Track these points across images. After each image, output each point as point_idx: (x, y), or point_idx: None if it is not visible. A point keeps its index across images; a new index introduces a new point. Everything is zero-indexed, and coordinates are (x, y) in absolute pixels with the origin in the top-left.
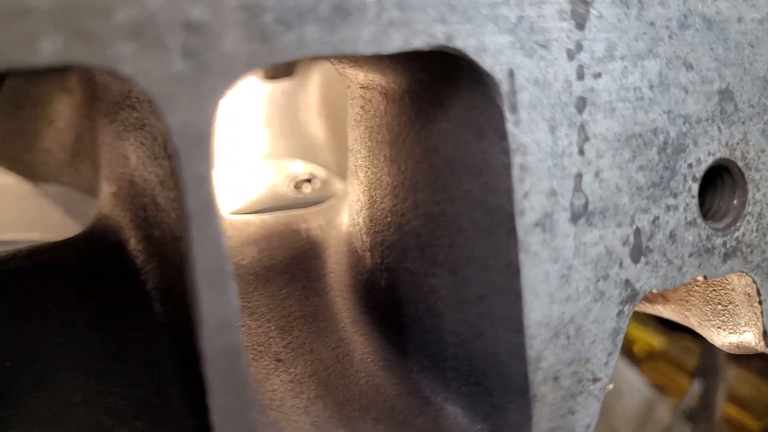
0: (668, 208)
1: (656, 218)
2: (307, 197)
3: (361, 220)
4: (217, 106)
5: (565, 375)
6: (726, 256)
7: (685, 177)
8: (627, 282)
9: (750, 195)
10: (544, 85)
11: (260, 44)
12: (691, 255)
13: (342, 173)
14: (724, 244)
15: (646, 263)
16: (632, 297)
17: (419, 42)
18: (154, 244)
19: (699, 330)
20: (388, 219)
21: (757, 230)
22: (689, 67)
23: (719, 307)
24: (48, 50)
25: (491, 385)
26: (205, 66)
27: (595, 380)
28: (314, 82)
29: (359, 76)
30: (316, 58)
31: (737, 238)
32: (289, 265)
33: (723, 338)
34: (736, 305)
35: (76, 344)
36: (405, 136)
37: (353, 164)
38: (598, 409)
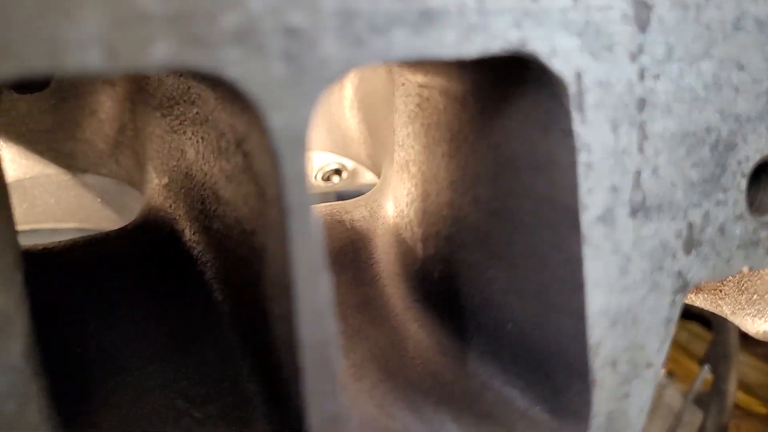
0: (718, 202)
1: (707, 212)
2: (336, 188)
3: (412, 213)
4: (315, 107)
5: (622, 361)
6: None
7: (734, 173)
8: (679, 273)
9: None
10: (608, 87)
11: (354, 48)
12: (738, 247)
13: (372, 166)
14: None
15: (697, 255)
16: (683, 287)
17: (496, 47)
18: (213, 235)
19: (732, 318)
20: (445, 212)
21: None
22: (741, 67)
23: (755, 296)
24: (160, 54)
25: (552, 370)
26: (305, 69)
27: (649, 366)
28: (349, 78)
29: (418, 76)
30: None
31: None
32: (338, 255)
33: (758, 326)
34: None
35: (142, 332)
36: (467, 133)
37: (404, 159)
38: (651, 395)
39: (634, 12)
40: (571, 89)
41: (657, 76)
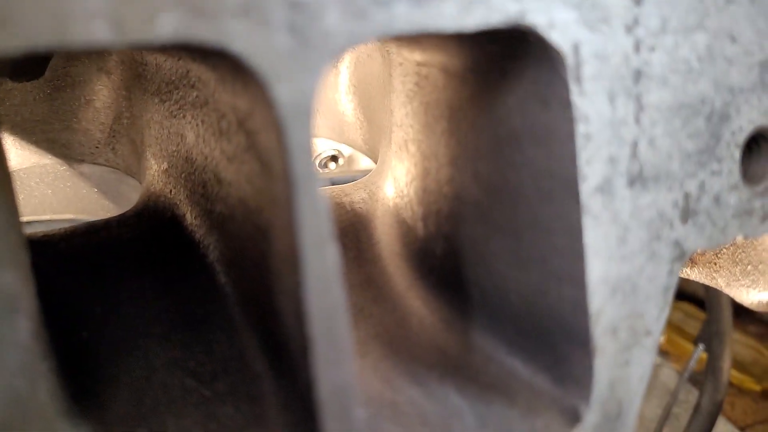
0: (713, 173)
1: (703, 182)
2: (332, 175)
3: (412, 192)
4: (319, 80)
5: (622, 328)
6: (764, 217)
7: (728, 144)
8: (676, 242)
9: None
10: (604, 59)
11: (357, 21)
12: (733, 216)
13: (369, 151)
14: (762, 206)
15: (694, 224)
16: (681, 256)
17: (495, 19)
18: (215, 218)
19: (727, 290)
20: (445, 189)
21: None
22: (733, 39)
23: (749, 267)
24: (166, 27)
25: (554, 339)
26: (309, 42)
27: (648, 334)
28: (345, 62)
29: (416, 54)
30: (401, 37)
31: None
32: (339, 236)
33: (753, 297)
34: (767, 264)
35: (147, 314)
36: (467, 109)
37: (402, 138)
38: (651, 362)
39: None
40: (569, 61)
41: (652, 48)
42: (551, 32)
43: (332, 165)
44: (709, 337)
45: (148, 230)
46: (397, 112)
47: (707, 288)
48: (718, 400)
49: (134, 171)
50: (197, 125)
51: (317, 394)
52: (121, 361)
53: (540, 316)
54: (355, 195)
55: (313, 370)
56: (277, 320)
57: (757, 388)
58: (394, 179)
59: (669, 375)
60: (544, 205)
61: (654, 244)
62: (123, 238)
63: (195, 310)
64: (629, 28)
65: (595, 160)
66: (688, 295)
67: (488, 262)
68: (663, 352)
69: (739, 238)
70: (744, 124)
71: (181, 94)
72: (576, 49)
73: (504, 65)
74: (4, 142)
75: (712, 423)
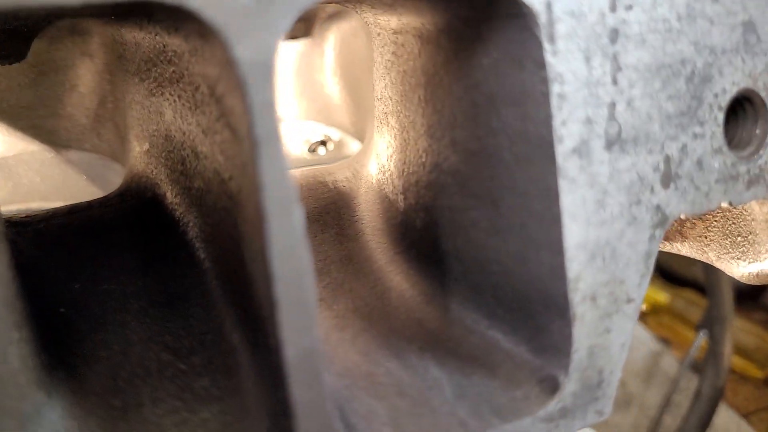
0: (695, 136)
1: (684, 146)
2: (322, 159)
3: (392, 165)
4: (280, 37)
5: (602, 295)
6: (750, 183)
7: (711, 106)
8: (658, 207)
9: None
10: (579, 17)
11: None
12: (717, 181)
13: (357, 134)
14: (748, 171)
15: (676, 189)
16: (663, 221)
17: None
18: (194, 195)
19: (718, 264)
20: (423, 159)
21: None
22: None
23: (739, 238)
24: None
25: (533, 308)
26: None
27: (629, 301)
28: (330, 43)
29: (392, 21)
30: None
31: (760, 166)
32: (321, 214)
33: (743, 269)
34: (757, 234)
35: (126, 291)
36: (442, 75)
37: (382, 112)
38: (632, 329)
39: None
40: (542, 19)
41: (629, 7)
42: None
43: (322, 149)
44: (710, 322)
45: (129, 210)
46: (377, 85)
47: (708, 272)
48: (719, 386)
49: (119, 156)
50: (174, 101)
51: (284, 358)
52: (98, 336)
53: (520, 285)
54: (339, 174)
55: (279, 332)
56: (250, 289)
57: (760, 375)
58: (376, 155)
59: (670, 363)
60: (521, 169)
61: (634, 209)
62: (105, 219)
63: (174, 287)
64: None
65: (571, 122)
66: (689, 281)
67: (467, 232)
68: (664, 340)
69: (724, 204)
70: (727, 86)
71: (159, 71)
72: (548, 6)
73: (478, 27)
74: None
75: (713, 408)
